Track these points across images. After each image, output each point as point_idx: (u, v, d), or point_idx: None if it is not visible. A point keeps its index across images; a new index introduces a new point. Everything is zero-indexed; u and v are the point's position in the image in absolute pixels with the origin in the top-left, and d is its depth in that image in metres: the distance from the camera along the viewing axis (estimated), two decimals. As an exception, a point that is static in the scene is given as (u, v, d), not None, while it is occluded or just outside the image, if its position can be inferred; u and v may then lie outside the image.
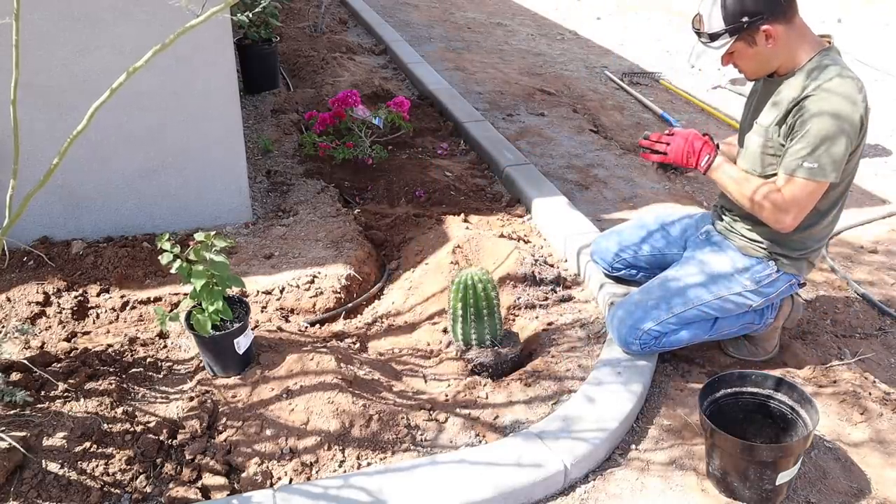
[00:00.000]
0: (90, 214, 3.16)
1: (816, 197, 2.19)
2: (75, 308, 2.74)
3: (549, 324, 2.73)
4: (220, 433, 2.16)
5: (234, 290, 2.61)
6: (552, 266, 3.08)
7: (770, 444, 2.10)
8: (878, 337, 2.81)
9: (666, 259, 2.70)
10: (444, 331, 2.72)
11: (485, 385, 2.42)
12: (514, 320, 2.80)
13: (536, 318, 2.78)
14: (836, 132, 2.08)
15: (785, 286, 2.42)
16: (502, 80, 5.70)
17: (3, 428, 2.03)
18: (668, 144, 2.39)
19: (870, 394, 2.47)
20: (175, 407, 2.28)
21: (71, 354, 2.46)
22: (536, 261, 3.06)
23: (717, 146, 2.45)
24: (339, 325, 2.85)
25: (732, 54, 2.24)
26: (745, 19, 2.12)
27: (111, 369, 2.40)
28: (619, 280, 2.85)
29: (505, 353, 2.52)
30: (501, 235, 3.25)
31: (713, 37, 2.19)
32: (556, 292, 2.94)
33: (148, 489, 1.99)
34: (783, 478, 1.99)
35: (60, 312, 2.71)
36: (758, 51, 2.19)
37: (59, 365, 2.38)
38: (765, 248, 2.38)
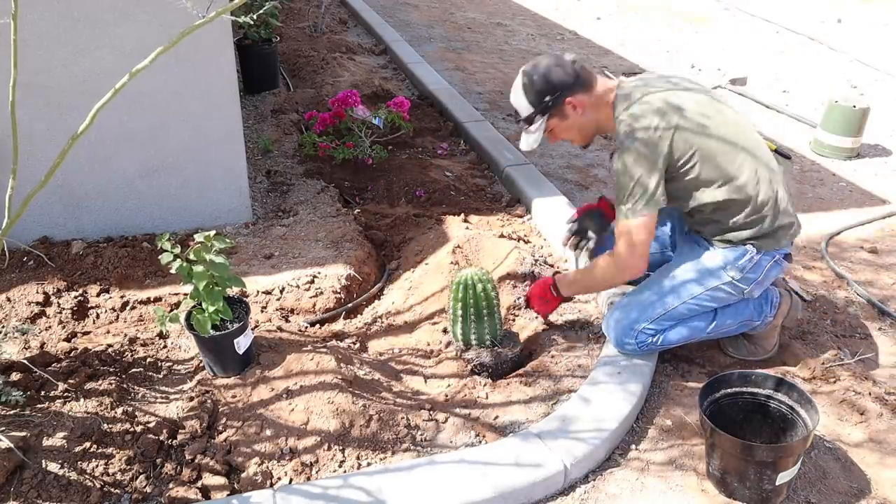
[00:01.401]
0: (90, 214, 3.16)
1: (647, 230, 2.31)
2: (75, 308, 2.74)
3: (549, 324, 2.73)
4: (220, 433, 2.16)
5: (234, 290, 2.61)
6: (552, 266, 3.08)
7: (770, 444, 2.10)
8: (878, 337, 2.81)
9: (664, 257, 2.70)
10: (444, 331, 2.72)
11: (484, 385, 2.42)
12: (514, 320, 2.80)
13: (536, 317, 2.78)
14: (633, 173, 2.24)
15: (769, 264, 2.39)
16: (502, 80, 5.70)
17: (3, 428, 2.03)
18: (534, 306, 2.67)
19: (869, 394, 2.47)
20: (175, 407, 2.28)
21: (71, 354, 2.46)
22: (536, 261, 3.06)
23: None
24: (339, 325, 2.85)
25: (553, 131, 2.45)
26: (547, 99, 2.34)
27: (111, 369, 2.40)
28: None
29: (505, 354, 2.52)
30: (501, 235, 3.25)
31: (529, 121, 2.40)
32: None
33: (148, 489, 1.99)
34: (783, 478, 2.00)
35: (60, 312, 2.71)
36: (572, 122, 2.40)
37: (59, 365, 2.38)
38: (731, 240, 2.38)
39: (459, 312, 2.51)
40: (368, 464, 2.08)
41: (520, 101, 2.40)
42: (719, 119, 2.33)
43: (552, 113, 2.37)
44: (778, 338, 2.66)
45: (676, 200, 2.39)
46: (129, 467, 2.02)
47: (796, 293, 2.69)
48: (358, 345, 2.68)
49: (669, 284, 2.43)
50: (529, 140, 2.45)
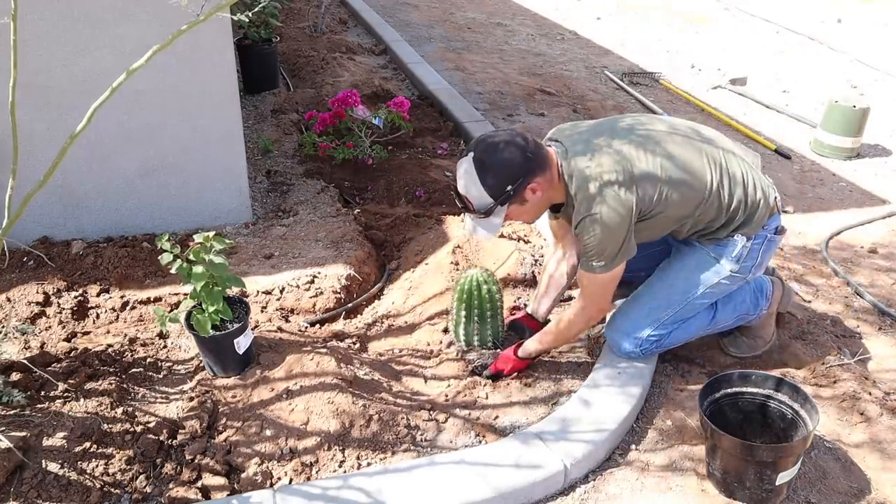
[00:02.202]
0: (90, 214, 3.16)
1: (617, 279, 2.26)
2: (75, 308, 2.74)
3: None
4: (220, 433, 2.16)
5: (234, 290, 2.60)
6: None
7: (770, 444, 2.10)
8: (878, 337, 2.81)
9: (664, 255, 2.69)
10: (445, 331, 2.72)
11: (484, 385, 2.42)
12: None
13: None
14: (604, 236, 2.15)
15: (762, 246, 2.37)
16: (502, 80, 5.70)
17: (3, 428, 2.03)
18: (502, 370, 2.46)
19: (869, 394, 2.47)
20: (175, 407, 2.28)
21: (71, 354, 2.46)
22: (537, 261, 3.06)
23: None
24: (339, 326, 2.85)
25: (509, 215, 2.26)
26: (509, 188, 2.14)
27: (111, 369, 2.40)
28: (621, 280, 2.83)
29: (505, 355, 2.52)
30: (502, 235, 3.24)
31: (487, 213, 2.19)
32: (556, 292, 2.93)
33: (148, 489, 1.99)
34: (783, 478, 1.99)
35: (60, 312, 2.71)
36: (531, 205, 2.23)
37: (59, 365, 2.38)
38: (719, 237, 2.36)
39: (463, 313, 2.50)
40: (368, 464, 2.08)
41: (476, 191, 2.14)
42: (665, 138, 2.27)
43: (512, 201, 2.18)
44: (775, 326, 2.66)
45: (653, 234, 2.33)
46: (129, 467, 2.02)
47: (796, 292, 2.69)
48: (358, 345, 2.68)
49: (670, 287, 2.42)
50: (488, 230, 2.25)
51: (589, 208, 2.16)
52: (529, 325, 2.63)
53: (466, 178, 2.16)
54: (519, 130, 2.24)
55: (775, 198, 2.40)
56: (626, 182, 2.15)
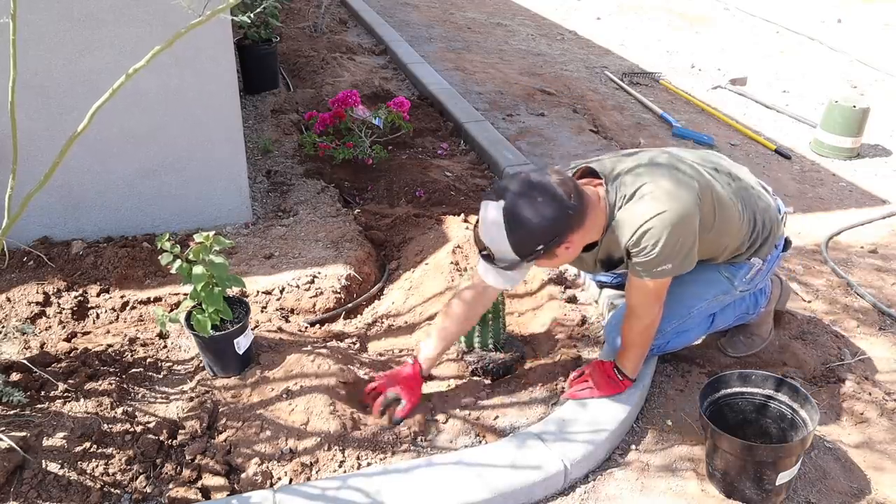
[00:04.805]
0: (90, 214, 3.16)
1: (662, 292, 2.14)
2: (75, 308, 2.74)
3: (550, 325, 2.73)
4: (220, 433, 2.16)
5: (234, 291, 2.61)
6: (552, 266, 3.07)
7: (770, 444, 2.10)
8: (877, 337, 2.81)
9: None
10: (444, 331, 2.72)
11: (484, 386, 2.42)
12: (514, 322, 2.80)
13: (535, 317, 2.78)
14: (680, 230, 2.01)
15: (773, 263, 2.40)
16: (502, 80, 5.70)
17: (3, 428, 2.03)
18: (591, 388, 2.29)
19: (869, 394, 2.47)
20: (175, 407, 2.28)
21: (71, 354, 2.46)
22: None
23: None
24: (339, 326, 2.85)
25: (537, 264, 2.13)
26: (540, 248, 1.95)
27: (111, 369, 2.40)
28: (619, 286, 2.83)
29: (506, 359, 2.51)
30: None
31: (511, 266, 2.04)
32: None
33: (148, 489, 1.99)
34: (783, 478, 2.00)
35: (60, 312, 2.71)
36: (560, 258, 2.08)
37: (59, 365, 2.38)
38: (739, 260, 2.35)
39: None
40: (368, 464, 2.08)
41: (501, 245, 1.95)
42: (704, 169, 2.20)
43: (541, 257, 2.00)
44: (772, 322, 2.66)
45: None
46: (129, 467, 2.02)
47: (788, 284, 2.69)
48: (358, 345, 2.68)
49: (677, 299, 2.36)
50: (506, 281, 2.15)
51: (651, 210, 1.99)
52: (408, 383, 2.27)
53: (493, 228, 1.94)
54: (561, 174, 1.99)
55: (784, 213, 2.39)
56: (688, 186, 2.05)
